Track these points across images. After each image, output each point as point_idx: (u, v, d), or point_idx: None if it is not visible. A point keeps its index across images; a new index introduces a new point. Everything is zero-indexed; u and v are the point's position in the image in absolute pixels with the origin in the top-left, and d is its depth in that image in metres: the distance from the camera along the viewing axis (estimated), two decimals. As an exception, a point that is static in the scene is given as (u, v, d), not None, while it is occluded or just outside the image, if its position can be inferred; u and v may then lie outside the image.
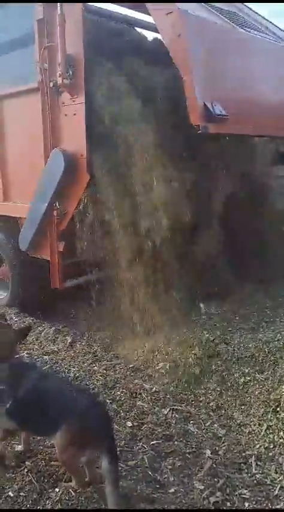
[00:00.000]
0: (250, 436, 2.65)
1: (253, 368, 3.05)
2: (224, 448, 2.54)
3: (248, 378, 2.96)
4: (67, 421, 2.06)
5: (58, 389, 2.28)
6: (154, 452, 2.51)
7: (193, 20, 3.26)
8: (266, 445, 2.56)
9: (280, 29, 5.16)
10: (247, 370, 3.02)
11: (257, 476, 2.37)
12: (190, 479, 2.34)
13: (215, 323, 3.55)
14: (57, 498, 2.15)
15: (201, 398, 2.94)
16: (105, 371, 3.34)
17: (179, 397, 2.97)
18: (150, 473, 2.36)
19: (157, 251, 3.69)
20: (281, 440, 2.55)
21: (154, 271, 3.81)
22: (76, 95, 3.57)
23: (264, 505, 2.21)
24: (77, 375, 3.23)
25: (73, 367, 3.36)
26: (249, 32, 4.09)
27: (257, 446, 2.57)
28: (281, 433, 2.58)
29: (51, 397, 2.17)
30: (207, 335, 3.37)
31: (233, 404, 2.85)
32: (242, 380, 2.96)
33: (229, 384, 2.98)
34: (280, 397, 2.73)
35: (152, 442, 2.58)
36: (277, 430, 2.60)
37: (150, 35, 4.57)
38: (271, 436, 2.59)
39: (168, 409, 2.84)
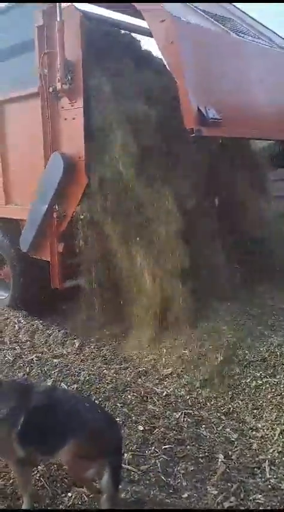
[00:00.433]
0: (262, 440, 2.63)
1: (265, 372, 3.03)
2: (237, 452, 2.51)
3: (260, 382, 2.94)
4: (74, 434, 2.00)
5: (62, 403, 2.18)
6: (167, 457, 2.49)
7: (186, 27, 3.34)
8: (280, 449, 2.54)
9: (273, 32, 5.20)
10: (258, 374, 3.00)
11: (272, 481, 2.35)
12: (204, 484, 2.32)
13: (225, 326, 3.52)
14: (70, 503, 2.15)
15: (212, 402, 2.92)
16: (115, 374, 3.33)
17: (190, 401, 2.94)
18: (163, 478, 2.35)
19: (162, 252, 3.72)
20: (295, 444, 2.53)
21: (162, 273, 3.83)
22: (75, 99, 3.66)
23: (279, 510, 2.18)
24: (87, 378, 3.21)
25: (83, 370, 3.34)
26: (242, 37, 4.15)
27: (271, 450, 2.55)
28: (295, 437, 2.56)
29: (56, 412, 2.09)
30: (218, 338, 3.35)
31: (245, 409, 2.82)
32: (254, 384, 2.94)
33: (241, 388, 2.96)
34: (293, 401, 2.71)
35: (164, 447, 2.55)
36: (290, 435, 2.58)
37: (147, 41, 4.60)
38: (284, 440, 2.57)
39: (179, 413, 2.81)
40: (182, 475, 2.37)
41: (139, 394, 3.01)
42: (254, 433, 2.65)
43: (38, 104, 3.95)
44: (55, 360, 3.53)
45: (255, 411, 2.80)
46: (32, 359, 3.56)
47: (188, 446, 2.56)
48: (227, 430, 2.68)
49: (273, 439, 2.60)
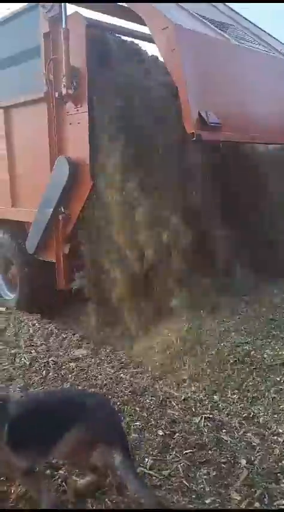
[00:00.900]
0: (285, 445, 2.60)
1: (286, 376, 3.00)
2: (259, 457, 2.48)
3: (281, 387, 2.90)
4: (70, 423, 2.03)
5: (49, 399, 2.26)
6: (188, 462, 2.46)
7: (188, 34, 3.42)
8: (303, 455, 2.51)
9: (273, 38, 5.29)
10: (278, 379, 2.97)
11: (296, 487, 2.32)
12: (227, 489, 2.29)
13: (243, 328, 3.49)
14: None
15: (232, 407, 2.88)
16: (132, 378, 3.32)
17: (209, 405, 2.91)
18: (186, 483, 2.32)
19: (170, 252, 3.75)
20: None
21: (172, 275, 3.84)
22: (80, 104, 3.77)
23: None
24: (105, 382, 3.21)
25: (100, 374, 3.34)
26: (242, 43, 4.22)
27: (294, 456, 2.52)
28: None
29: (43, 409, 2.12)
30: (236, 340, 3.32)
31: (266, 413, 2.78)
32: (274, 388, 2.90)
33: (261, 392, 2.92)
34: None
35: (185, 451, 2.53)
36: None
37: (150, 47, 4.65)
38: (307, 445, 2.54)
39: (199, 418, 2.79)
40: (204, 480, 2.34)
41: (158, 399, 2.99)
42: (276, 438, 2.61)
43: (44, 109, 4.06)
44: (71, 364, 3.53)
45: (276, 416, 2.75)
46: (48, 362, 3.57)
47: (209, 451, 2.53)
48: (249, 435, 2.65)
49: (295, 444, 2.57)
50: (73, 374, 3.36)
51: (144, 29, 4.38)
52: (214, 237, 3.98)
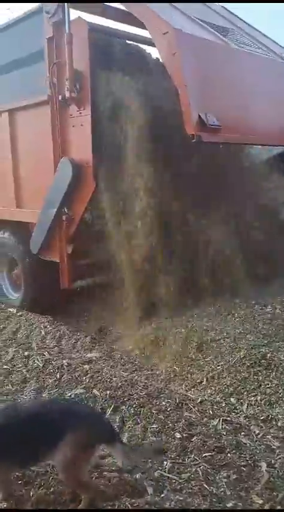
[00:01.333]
0: (305, 449, 2.57)
1: (304, 378, 2.97)
2: (280, 460, 2.45)
3: (300, 389, 2.88)
4: (66, 431, 2.05)
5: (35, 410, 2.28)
6: (208, 465, 2.43)
7: (188, 39, 3.51)
8: None
9: (272, 40, 5.35)
10: (296, 380, 2.95)
11: None
12: (248, 493, 2.27)
13: (259, 330, 3.47)
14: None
15: (250, 409, 2.86)
16: (146, 380, 3.30)
17: (226, 408, 2.89)
18: (206, 486, 2.29)
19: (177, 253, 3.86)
20: None
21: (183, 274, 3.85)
22: (83, 107, 3.86)
23: None
24: (120, 384, 3.19)
25: (115, 377, 3.31)
26: (242, 47, 4.31)
27: None
28: None
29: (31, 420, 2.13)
30: (251, 343, 3.30)
31: (286, 416, 2.76)
32: (292, 391, 2.89)
33: (278, 395, 2.89)
34: None
35: (204, 454, 2.50)
36: None
37: (154, 51, 4.69)
38: None
39: (216, 420, 2.77)
40: (225, 484, 2.31)
41: (174, 401, 2.97)
42: (296, 441, 2.59)
43: (48, 112, 4.13)
44: (85, 366, 3.51)
45: (295, 419, 2.74)
46: (62, 365, 3.55)
47: (229, 454, 2.51)
48: (268, 437, 2.62)
49: None
50: (87, 376, 3.34)
51: (147, 33, 4.44)
52: (229, 238, 3.97)
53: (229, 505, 2.20)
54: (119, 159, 3.78)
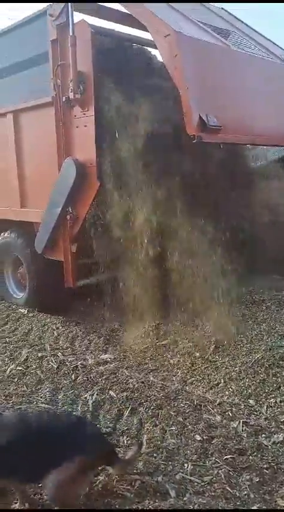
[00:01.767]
0: None
1: None
2: (303, 463, 2.43)
3: None
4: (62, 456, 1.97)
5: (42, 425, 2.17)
6: (229, 467, 2.41)
7: (189, 41, 3.56)
8: None
9: (272, 42, 5.38)
10: None
11: None
12: (272, 496, 2.24)
13: (276, 331, 3.44)
14: None
15: (269, 411, 2.83)
16: (163, 382, 3.27)
17: (246, 410, 2.86)
18: (229, 489, 2.26)
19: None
20: None
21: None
22: (87, 108, 3.90)
23: None
24: (136, 385, 3.16)
25: (131, 378, 3.28)
26: (242, 49, 4.34)
27: None
28: None
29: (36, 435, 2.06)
30: (269, 344, 3.27)
31: (307, 418, 2.73)
32: None
33: (298, 397, 2.88)
34: None
35: (225, 457, 2.48)
36: None
37: (156, 52, 4.74)
38: None
39: (236, 422, 2.73)
40: (248, 487, 2.28)
41: (192, 403, 2.93)
42: None
43: (52, 113, 4.18)
44: (100, 367, 3.48)
45: None
46: (77, 366, 3.52)
47: (250, 457, 2.48)
48: (290, 440, 2.60)
49: None
50: (103, 378, 3.31)
51: (150, 35, 4.46)
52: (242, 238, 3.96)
53: (254, 508, 2.17)
54: (123, 160, 3.81)
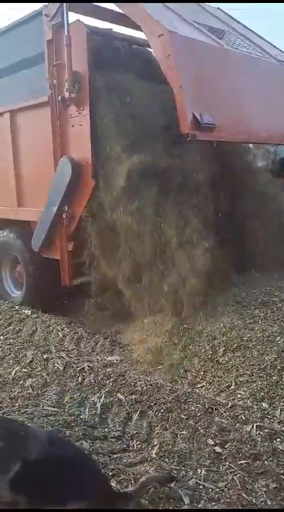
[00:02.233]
0: None
1: None
2: None
3: None
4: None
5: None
6: (244, 473, 2.33)
7: (182, 41, 3.58)
8: None
9: (267, 42, 5.38)
10: None
11: None
12: (290, 503, 2.17)
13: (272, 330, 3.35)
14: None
15: (283, 415, 2.76)
16: (172, 384, 3.19)
17: (259, 413, 2.77)
18: (245, 495, 2.19)
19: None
20: None
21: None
22: (82, 107, 3.94)
23: None
24: (145, 388, 3.08)
25: (139, 380, 3.21)
26: (236, 48, 4.36)
27: None
28: None
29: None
30: (282, 346, 3.19)
31: None
32: None
33: None
34: None
35: (240, 462, 2.40)
36: None
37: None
38: None
39: (250, 426, 2.65)
40: (264, 493, 2.21)
41: (203, 406, 2.85)
42: None
43: (48, 112, 4.22)
44: (108, 369, 3.40)
45: None
46: (83, 367, 3.45)
47: (266, 462, 2.40)
48: (306, 444, 2.52)
49: None
50: (110, 380, 3.23)
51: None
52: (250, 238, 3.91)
53: None
54: (118, 158, 3.83)
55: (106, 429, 2.79)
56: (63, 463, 1.91)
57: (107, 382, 3.22)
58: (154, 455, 2.50)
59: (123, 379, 3.23)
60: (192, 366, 3.34)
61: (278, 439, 2.56)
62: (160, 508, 2.09)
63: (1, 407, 3.01)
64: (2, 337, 4.25)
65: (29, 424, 2.62)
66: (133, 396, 3.01)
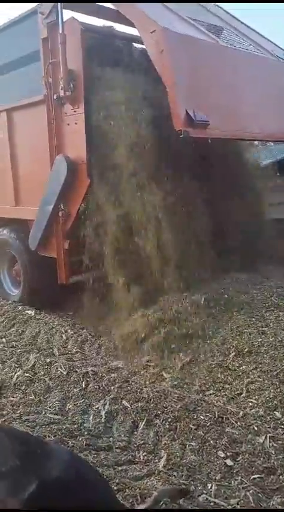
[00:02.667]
0: None
1: None
2: None
3: None
4: None
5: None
6: (258, 488, 2.19)
7: (175, 37, 3.54)
8: None
9: (265, 38, 5.30)
10: None
11: None
12: (308, 523, 2.03)
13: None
14: None
15: (298, 425, 2.61)
16: (180, 391, 3.04)
17: (272, 423, 2.62)
18: (259, 514, 2.06)
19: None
20: None
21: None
22: (77, 106, 3.94)
23: None
24: (151, 395, 2.94)
25: (145, 387, 3.07)
26: (231, 44, 4.32)
27: None
28: None
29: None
30: (275, 350, 3.04)
31: None
32: None
33: None
34: None
35: (253, 476, 2.26)
36: None
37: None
38: None
39: (263, 437, 2.51)
40: None
41: (213, 415, 2.71)
42: None
43: (44, 111, 4.22)
44: (112, 375, 3.27)
45: None
46: (87, 372, 3.31)
47: (281, 476, 2.26)
48: None
49: None
50: (115, 386, 3.10)
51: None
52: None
53: None
54: (113, 156, 3.83)
55: (111, 439, 2.67)
56: (80, 485, 1.78)
57: (112, 388, 3.10)
58: (161, 468, 2.38)
59: (128, 385, 3.10)
60: (201, 372, 3.19)
61: (293, 452, 2.42)
62: None
63: (2, 414, 2.90)
64: (4, 339, 4.15)
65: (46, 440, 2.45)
66: (139, 404, 2.88)
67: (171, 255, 3.82)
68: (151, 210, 3.78)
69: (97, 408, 2.92)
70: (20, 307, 4.81)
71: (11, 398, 3.09)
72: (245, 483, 2.23)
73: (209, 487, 2.23)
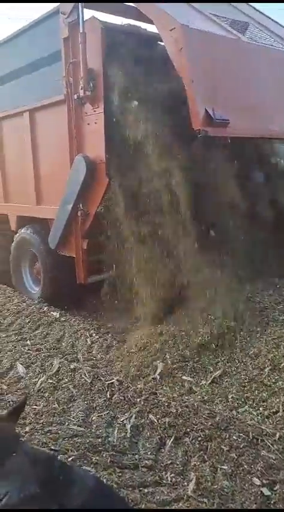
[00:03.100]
0: None
1: None
2: None
3: None
4: None
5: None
6: (298, 525, 2.00)
7: (195, 34, 3.47)
8: None
9: None
10: None
11: None
12: None
13: None
14: None
15: None
16: (211, 407, 2.85)
17: None
18: None
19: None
20: None
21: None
22: (97, 105, 3.93)
23: None
24: (180, 410, 2.76)
25: (173, 400, 2.89)
26: (255, 41, 4.21)
27: None
28: None
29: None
30: None
31: None
32: None
33: None
34: None
35: (293, 509, 2.07)
36: None
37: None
38: None
39: (303, 464, 2.31)
40: None
41: (247, 435, 2.52)
42: None
43: (65, 111, 4.23)
44: (139, 385, 3.12)
45: None
46: (112, 382, 3.17)
47: None
48: None
49: None
50: (142, 398, 2.94)
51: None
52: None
53: None
54: (132, 156, 3.79)
55: (136, 456, 2.51)
56: None
57: (138, 400, 2.93)
58: (190, 493, 2.20)
59: (155, 397, 2.94)
60: (234, 387, 2.99)
61: None
62: None
63: (25, 423, 2.79)
64: (29, 341, 4.06)
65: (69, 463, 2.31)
66: (167, 419, 2.71)
67: (201, 260, 3.66)
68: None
69: (122, 421, 2.77)
70: (45, 308, 4.72)
71: (35, 407, 2.98)
72: (284, 517, 2.04)
73: (243, 519, 2.05)
